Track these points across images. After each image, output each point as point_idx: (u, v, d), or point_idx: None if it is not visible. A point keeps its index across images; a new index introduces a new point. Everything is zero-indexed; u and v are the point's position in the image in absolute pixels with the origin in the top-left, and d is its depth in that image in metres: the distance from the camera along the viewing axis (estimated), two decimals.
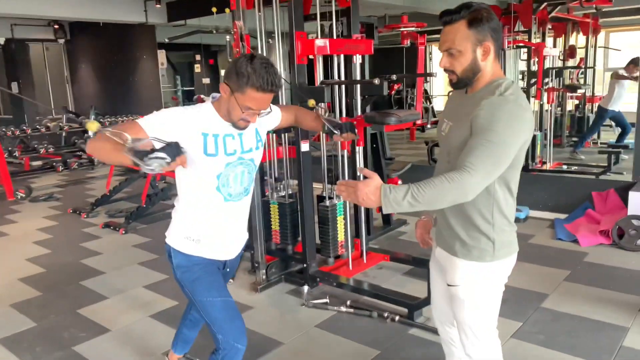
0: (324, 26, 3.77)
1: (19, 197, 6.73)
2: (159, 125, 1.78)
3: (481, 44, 1.61)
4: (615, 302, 3.23)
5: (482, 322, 1.81)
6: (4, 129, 8.00)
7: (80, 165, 8.49)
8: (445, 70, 1.68)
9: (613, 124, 8.12)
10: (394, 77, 3.22)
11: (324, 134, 3.02)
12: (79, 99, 11.59)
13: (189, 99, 12.43)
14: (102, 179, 7.74)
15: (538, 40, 6.98)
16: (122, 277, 4.04)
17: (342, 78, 3.63)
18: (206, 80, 11.95)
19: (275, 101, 1.90)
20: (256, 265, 3.68)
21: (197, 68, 12.34)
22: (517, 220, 4.68)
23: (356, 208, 4.06)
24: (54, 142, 8.63)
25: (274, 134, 3.66)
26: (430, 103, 9.07)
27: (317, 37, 3.50)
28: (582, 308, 3.17)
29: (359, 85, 3.74)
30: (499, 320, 1.85)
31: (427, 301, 3.02)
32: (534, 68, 6.82)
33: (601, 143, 8.27)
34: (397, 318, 3.08)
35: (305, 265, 3.56)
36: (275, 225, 3.84)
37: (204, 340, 2.56)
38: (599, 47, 9.34)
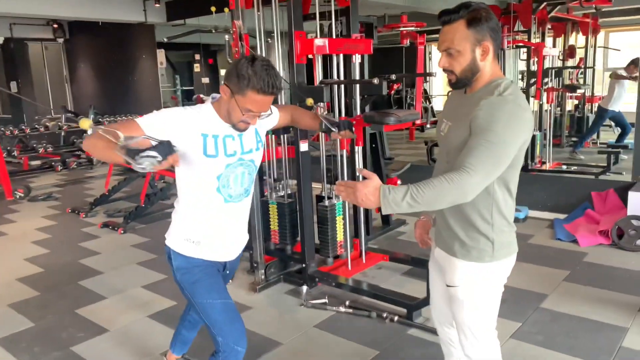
0: (323, 26, 3.76)
1: (18, 196, 6.72)
2: (158, 124, 1.77)
3: (480, 43, 1.60)
4: (615, 303, 3.23)
5: (481, 323, 1.81)
6: (2, 129, 7.99)
7: (79, 165, 8.48)
8: (444, 70, 1.67)
9: (613, 124, 8.11)
10: (393, 76, 3.21)
11: (322, 133, 3.01)
12: (78, 99, 11.58)
13: (188, 98, 12.43)
14: (101, 179, 7.73)
15: (538, 40, 6.98)
16: (121, 277, 4.03)
17: (342, 78, 3.63)
18: (205, 80, 11.95)
19: (274, 101, 1.89)
20: (255, 265, 3.67)
21: (197, 67, 12.34)
22: (516, 220, 4.67)
23: (355, 208, 4.05)
24: (52, 142, 8.62)
25: (273, 135, 3.65)
26: (430, 103, 9.06)
27: (316, 37, 3.49)
28: (581, 308, 3.17)
29: (358, 85, 3.74)
30: (498, 320, 1.84)
31: (426, 301, 3.02)
32: (534, 68, 6.81)
33: (600, 143, 8.27)
34: (396, 318, 3.07)
35: (304, 265, 3.56)
36: (274, 225, 3.83)
37: (203, 340, 2.56)
38: (599, 47, 9.35)
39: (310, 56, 3.40)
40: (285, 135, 3.74)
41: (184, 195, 1.96)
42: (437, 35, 1.67)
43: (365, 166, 4.13)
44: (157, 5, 8.22)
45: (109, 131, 1.58)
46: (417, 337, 2.92)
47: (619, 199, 4.65)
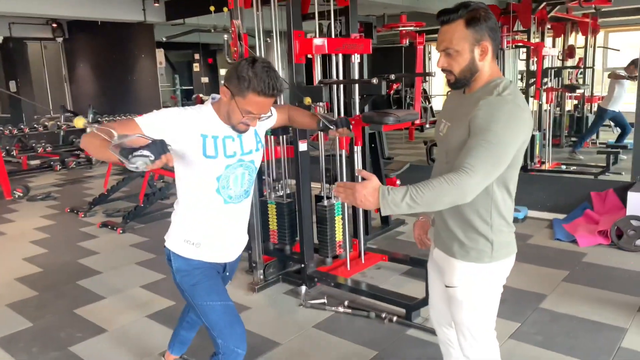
0: (322, 25, 3.76)
1: (17, 196, 6.72)
2: (158, 124, 1.76)
3: (479, 43, 1.60)
4: (614, 303, 3.23)
5: (480, 324, 1.80)
6: (1, 128, 7.97)
7: (78, 164, 8.47)
8: (443, 70, 1.67)
9: (612, 124, 8.11)
10: (392, 76, 3.21)
11: (321, 133, 3.01)
12: (77, 98, 11.56)
13: (188, 98, 12.41)
14: (100, 178, 7.72)
15: (537, 40, 6.97)
16: (119, 276, 4.02)
17: (341, 77, 3.62)
18: (205, 80, 11.94)
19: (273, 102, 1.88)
20: (254, 265, 3.67)
21: (196, 67, 12.32)
22: (515, 220, 4.68)
23: (354, 208, 4.05)
24: (51, 141, 8.61)
25: (272, 135, 3.65)
26: (429, 103, 9.05)
27: (315, 37, 3.49)
28: (580, 309, 3.16)
29: (357, 85, 3.73)
30: (497, 320, 1.84)
31: (425, 302, 3.02)
32: (533, 68, 6.80)
33: (600, 143, 8.27)
34: (394, 319, 3.06)
35: (303, 265, 3.55)
36: (273, 225, 3.83)
37: (201, 340, 2.56)
38: (598, 47, 9.34)
39: (309, 56, 3.40)
40: (284, 135, 3.73)
41: (184, 196, 1.96)
42: (436, 35, 1.66)
43: (364, 166, 4.13)
44: (157, 4, 8.21)
45: (104, 130, 1.57)
46: (416, 338, 2.91)
47: (618, 199, 4.65)
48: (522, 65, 8.15)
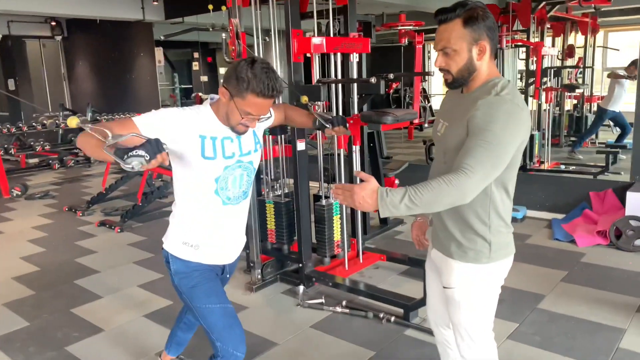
0: (321, 24, 3.74)
1: (15, 194, 6.70)
2: (156, 124, 1.74)
3: (477, 43, 1.59)
4: (612, 303, 3.22)
5: (478, 324, 1.80)
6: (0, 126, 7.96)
7: (76, 163, 8.45)
8: (441, 69, 1.66)
9: (612, 124, 8.09)
10: (390, 75, 3.19)
11: (319, 132, 2.99)
12: (76, 96, 11.54)
13: (187, 97, 12.39)
14: (98, 177, 7.71)
15: (536, 40, 6.95)
16: (117, 276, 4.01)
17: (339, 77, 3.61)
18: (204, 78, 11.91)
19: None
20: (251, 264, 3.66)
21: (195, 66, 12.29)
22: (514, 220, 4.67)
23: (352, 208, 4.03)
24: (50, 140, 8.58)
25: (270, 134, 3.64)
26: (429, 102, 9.04)
27: (314, 35, 3.47)
28: (579, 309, 3.16)
29: (356, 84, 3.72)
30: (495, 321, 1.83)
31: (422, 302, 3.00)
32: (533, 67, 6.79)
33: (599, 143, 8.25)
34: (392, 319, 3.06)
35: (301, 265, 3.54)
36: (271, 224, 3.82)
37: (198, 340, 2.55)
38: (598, 46, 9.32)
39: (308, 55, 3.38)
40: (283, 134, 3.72)
41: (182, 198, 1.94)
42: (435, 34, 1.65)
43: (363, 165, 4.11)
44: (155, 3, 8.19)
45: (98, 130, 1.55)
46: (414, 338, 2.90)
47: (617, 199, 4.64)
48: (521, 65, 8.13)
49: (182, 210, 1.96)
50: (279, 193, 3.83)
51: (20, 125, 8.18)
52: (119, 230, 5.09)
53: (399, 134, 9.26)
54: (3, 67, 10.83)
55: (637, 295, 3.30)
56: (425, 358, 2.69)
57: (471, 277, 1.73)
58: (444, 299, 1.85)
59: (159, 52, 9.71)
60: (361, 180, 1.52)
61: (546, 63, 7.18)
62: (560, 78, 7.47)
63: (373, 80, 3.10)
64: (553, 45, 8.20)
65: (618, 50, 9.46)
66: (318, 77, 3.47)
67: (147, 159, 1.47)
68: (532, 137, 6.43)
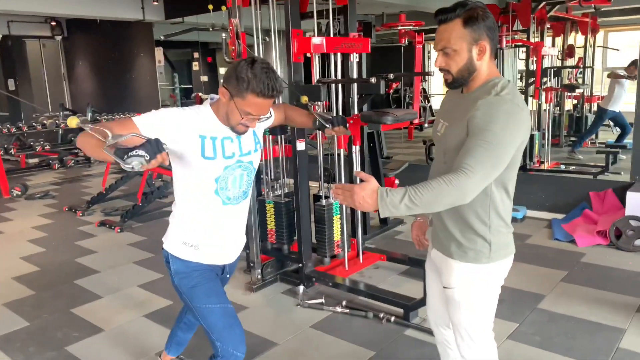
0: (321, 24, 3.74)
1: (15, 194, 6.70)
2: (157, 124, 1.74)
3: (477, 43, 1.59)
4: (612, 303, 3.22)
5: (478, 324, 1.80)
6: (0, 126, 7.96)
7: (76, 163, 8.45)
8: (441, 69, 1.66)
9: (612, 124, 8.09)
10: (390, 75, 3.18)
11: (319, 132, 2.99)
12: (76, 96, 11.54)
13: (187, 96, 12.38)
14: (98, 177, 7.71)
15: (536, 40, 6.95)
16: (117, 276, 4.01)
17: (339, 77, 3.61)
18: (204, 78, 11.90)
19: None
20: (252, 264, 3.66)
21: (195, 66, 12.29)
22: (514, 220, 4.67)
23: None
24: (50, 140, 8.58)
25: (270, 134, 3.64)
26: (429, 102, 9.04)
27: (314, 35, 3.47)
28: (579, 309, 3.16)
29: (356, 84, 3.72)
30: (495, 321, 1.83)
31: (422, 302, 2.99)
32: (533, 67, 6.79)
33: (599, 143, 8.25)
34: (392, 319, 3.06)
35: (301, 264, 3.54)
36: (271, 224, 3.82)
37: (198, 340, 2.55)
38: (598, 46, 9.31)
39: (308, 55, 3.38)
40: (283, 134, 3.72)
41: (182, 198, 1.94)
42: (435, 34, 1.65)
43: (363, 165, 4.11)
44: (155, 3, 8.19)
45: (98, 130, 1.55)
46: (414, 338, 2.90)
47: (617, 199, 4.64)
48: (521, 65, 8.13)
49: (182, 210, 1.96)
50: (279, 193, 3.83)
51: (20, 125, 8.18)
52: (119, 230, 5.09)
53: (399, 134, 9.26)
54: (3, 67, 10.83)
55: (637, 295, 3.30)
56: (425, 358, 2.69)
57: (471, 277, 1.73)
58: (444, 299, 1.85)
59: (159, 52, 9.71)
60: (361, 180, 1.52)
61: (546, 63, 7.18)
62: (560, 78, 7.47)
63: (373, 80, 3.10)
64: (553, 45, 8.20)
65: (618, 50, 9.46)
66: (318, 77, 3.47)
67: (147, 159, 1.47)
68: (532, 137, 6.43)
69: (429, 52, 12.26)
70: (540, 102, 6.72)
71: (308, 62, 3.43)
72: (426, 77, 9.47)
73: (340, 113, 3.64)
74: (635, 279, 3.57)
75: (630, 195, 4.23)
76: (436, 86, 13.24)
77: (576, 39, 8.66)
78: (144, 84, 10.09)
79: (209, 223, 1.94)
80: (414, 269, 3.71)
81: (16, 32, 10.13)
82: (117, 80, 10.51)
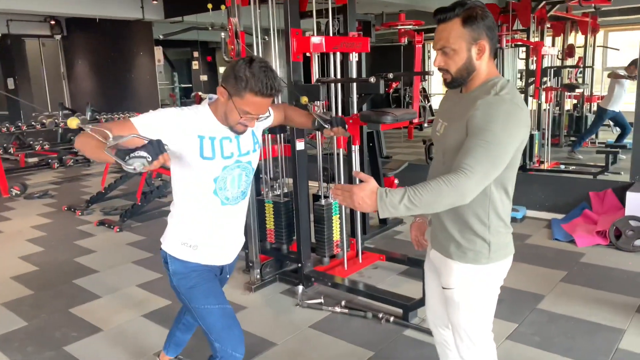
0: (320, 23, 3.74)
1: (14, 194, 6.70)
2: (155, 125, 1.73)
3: (476, 42, 1.58)
4: (612, 304, 3.21)
5: (477, 325, 1.79)
6: None
7: (76, 162, 8.45)
8: (440, 69, 1.65)
9: (612, 124, 8.09)
10: (390, 75, 3.18)
11: (317, 131, 2.99)
12: (75, 96, 11.53)
13: (187, 96, 12.37)
14: (97, 176, 7.71)
15: (536, 39, 6.94)
16: (116, 275, 4.00)
17: (339, 76, 3.60)
18: (204, 78, 11.88)
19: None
20: (250, 264, 3.65)
21: (195, 65, 12.27)
22: (513, 220, 4.66)
23: None
24: (49, 139, 8.57)
25: (269, 133, 3.63)
26: (429, 101, 9.04)
27: (313, 35, 3.47)
28: (578, 309, 3.15)
29: (355, 84, 3.71)
30: (494, 321, 1.83)
31: (422, 302, 2.98)
32: (533, 67, 6.78)
33: (599, 143, 8.25)
34: (391, 319, 3.05)
35: (300, 264, 3.54)
36: (270, 224, 3.81)
37: (197, 341, 2.54)
38: (598, 46, 9.31)
39: (307, 54, 3.38)
40: (282, 133, 3.71)
41: (180, 198, 1.93)
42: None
43: (362, 165, 4.11)
44: (155, 2, 8.18)
45: (98, 131, 1.55)
46: (413, 338, 2.90)
47: (617, 199, 4.63)
48: (521, 65, 8.12)
49: (180, 211, 1.95)
50: (278, 193, 3.82)
51: (20, 124, 8.18)
52: (118, 230, 5.08)
53: (398, 133, 9.25)
54: (2, 66, 10.82)
55: (636, 295, 3.30)
56: (425, 358, 2.69)
57: (470, 277, 1.72)
58: (443, 300, 1.85)
59: (158, 51, 9.70)
60: (360, 181, 1.52)
61: (546, 63, 7.17)
62: (560, 78, 7.46)
63: (372, 79, 3.10)
64: (553, 45, 8.19)
65: (618, 49, 9.45)
66: (317, 77, 3.46)
67: (150, 160, 1.46)
68: (531, 137, 6.42)
69: (428, 51, 12.25)
70: (540, 101, 6.72)
71: (307, 62, 3.43)
72: (426, 77, 9.47)
73: (340, 112, 3.64)
74: (635, 279, 3.57)
75: (630, 196, 4.22)
76: (436, 86, 13.23)
77: (576, 38, 8.65)
78: (143, 83, 10.08)
79: (207, 223, 1.93)
80: (413, 269, 3.70)
81: (15, 31, 10.12)
82: (116, 79, 10.50)
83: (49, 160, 8.35)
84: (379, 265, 3.92)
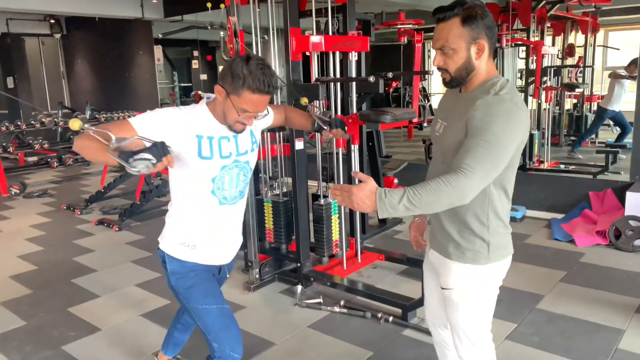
0: (319, 22, 3.73)
1: (13, 193, 6.69)
2: (153, 125, 1.73)
3: (475, 42, 1.57)
4: (611, 304, 3.21)
5: (476, 325, 1.78)
6: None
7: (75, 161, 8.45)
8: (439, 68, 1.64)
9: (612, 123, 8.08)
10: (389, 74, 3.17)
11: (316, 132, 2.98)
12: (75, 95, 11.53)
13: (187, 95, 12.36)
14: (97, 175, 7.70)
15: (537, 39, 6.93)
16: (115, 275, 4.00)
17: (338, 75, 3.59)
18: (204, 77, 11.88)
19: (270, 101, 1.85)
20: (249, 264, 3.65)
21: (195, 64, 12.27)
22: (513, 219, 4.66)
23: None
24: (49, 138, 8.58)
25: (269, 132, 3.62)
26: (428, 101, 9.04)
27: (312, 34, 3.46)
28: (577, 309, 3.14)
29: (355, 83, 3.71)
30: (493, 321, 1.82)
31: (421, 302, 2.99)
32: (533, 66, 6.77)
33: (599, 142, 8.24)
34: (390, 319, 3.05)
35: (299, 264, 3.53)
36: (269, 223, 3.80)
37: (195, 341, 2.53)
38: (598, 45, 9.30)
39: (307, 53, 3.37)
40: (281, 132, 3.70)
41: (178, 198, 1.93)
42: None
43: (361, 164, 4.10)
44: (155, 1, 8.18)
45: (100, 132, 1.54)
46: (412, 338, 2.89)
47: (616, 199, 4.63)
48: (521, 64, 8.11)
49: (178, 210, 1.94)
50: (277, 192, 3.82)
51: (19, 123, 8.18)
52: (117, 229, 5.08)
53: (398, 133, 9.25)
54: (2, 65, 10.82)
55: (636, 295, 3.29)
56: (423, 358, 2.68)
57: (469, 278, 1.71)
58: (442, 300, 1.84)
59: (158, 50, 9.70)
60: (359, 181, 1.51)
61: (546, 62, 7.17)
62: (560, 77, 7.46)
63: (372, 79, 3.09)
64: (553, 44, 8.18)
65: (618, 49, 9.44)
66: (317, 76, 3.46)
67: (154, 162, 1.45)
68: (531, 137, 6.41)
69: (428, 50, 12.24)
70: (540, 101, 6.71)
71: (307, 61, 3.42)
72: (425, 76, 9.46)
73: (339, 112, 3.63)
74: (635, 280, 3.56)
75: (629, 195, 4.22)
76: (436, 85, 13.22)
77: (576, 38, 8.64)
78: (143, 82, 10.08)
79: (205, 223, 1.93)
80: (412, 269, 3.69)
81: (15, 30, 10.12)
82: (116, 78, 10.50)
83: (48, 159, 8.35)
84: (378, 265, 3.91)
